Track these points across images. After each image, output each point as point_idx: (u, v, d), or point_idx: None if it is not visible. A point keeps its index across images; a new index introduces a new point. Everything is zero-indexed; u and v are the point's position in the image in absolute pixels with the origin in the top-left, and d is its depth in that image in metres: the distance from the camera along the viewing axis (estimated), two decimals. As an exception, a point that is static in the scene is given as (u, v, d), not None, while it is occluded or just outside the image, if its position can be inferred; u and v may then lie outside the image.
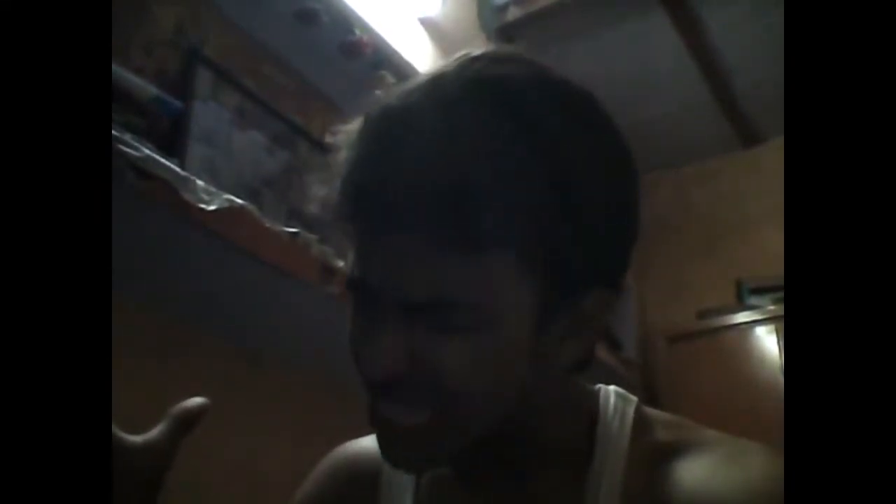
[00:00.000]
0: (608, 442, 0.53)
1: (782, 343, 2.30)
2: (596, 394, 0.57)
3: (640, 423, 0.54)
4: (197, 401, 0.56)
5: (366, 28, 1.69)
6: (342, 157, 0.47)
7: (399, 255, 0.44)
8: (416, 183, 0.42)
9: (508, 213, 0.42)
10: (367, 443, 0.66)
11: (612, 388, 0.58)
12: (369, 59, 1.70)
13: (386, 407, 0.48)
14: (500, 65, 0.47)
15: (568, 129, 0.45)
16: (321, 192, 0.49)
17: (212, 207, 0.96)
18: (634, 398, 0.57)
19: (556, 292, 0.46)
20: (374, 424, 0.50)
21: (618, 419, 0.54)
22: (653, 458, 0.51)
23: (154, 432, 0.53)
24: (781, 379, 2.22)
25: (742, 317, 2.44)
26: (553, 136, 0.44)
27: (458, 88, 0.45)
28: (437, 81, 0.46)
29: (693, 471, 0.49)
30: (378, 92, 0.48)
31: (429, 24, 2.01)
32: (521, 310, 0.46)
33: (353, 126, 0.48)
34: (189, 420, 0.55)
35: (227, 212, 0.98)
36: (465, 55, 0.48)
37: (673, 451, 0.51)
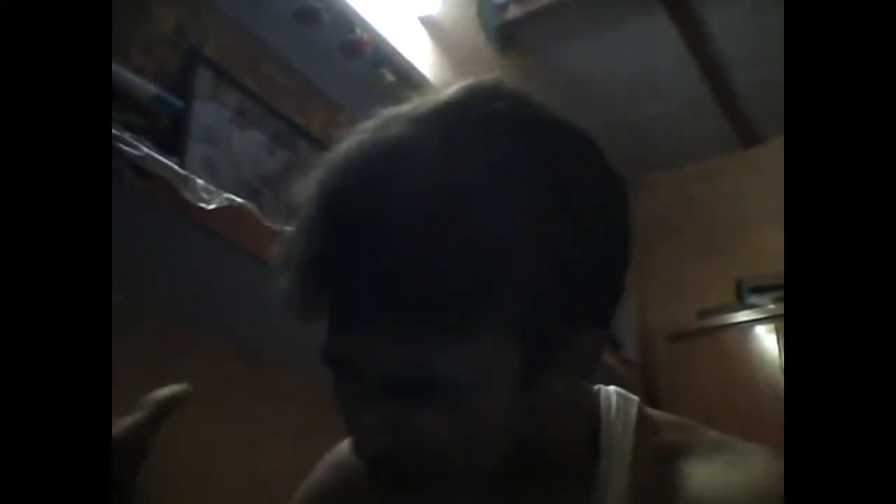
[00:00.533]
0: (612, 443, 0.53)
1: (782, 342, 2.30)
2: (596, 394, 0.57)
3: (643, 423, 0.54)
4: (175, 388, 0.53)
5: (366, 27, 1.69)
6: (304, 218, 0.45)
7: (379, 333, 0.42)
8: (393, 263, 0.39)
9: (496, 290, 0.41)
10: None
11: (612, 388, 0.58)
12: (369, 58, 1.70)
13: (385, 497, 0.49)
14: (471, 124, 0.43)
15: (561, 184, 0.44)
16: (280, 276, 0.45)
17: (212, 206, 0.96)
18: (636, 398, 0.57)
19: (540, 349, 0.45)
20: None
21: (621, 420, 0.54)
22: (657, 460, 0.51)
23: (128, 423, 0.49)
24: (781, 378, 2.22)
25: (742, 316, 2.44)
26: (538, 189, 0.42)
27: (435, 160, 0.41)
28: (406, 148, 0.42)
29: (698, 472, 0.49)
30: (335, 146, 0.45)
31: (429, 23, 2.00)
32: (504, 375, 0.45)
33: (311, 186, 0.45)
34: (166, 409, 0.52)
35: (227, 211, 0.98)
36: (441, 103, 0.45)
37: (677, 452, 0.51)
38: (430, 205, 0.39)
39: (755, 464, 0.48)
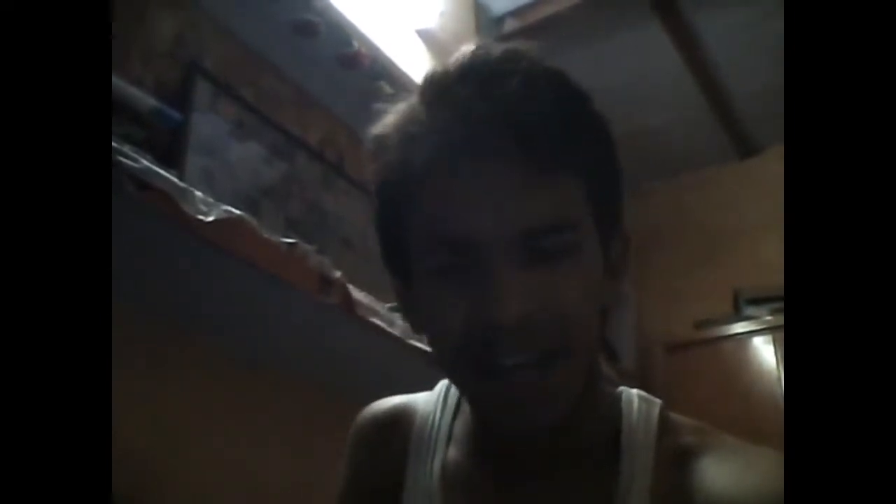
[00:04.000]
0: (635, 443, 0.54)
1: (779, 353, 2.30)
2: (619, 395, 0.59)
3: (664, 425, 0.55)
4: None
5: (364, 40, 1.70)
6: (410, 118, 0.51)
7: (502, 188, 0.47)
8: (509, 121, 0.47)
9: (577, 145, 0.49)
10: (398, 401, 0.67)
11: (634, 391, 0.59)
12: (367, 70, 1.70)
13: (520, 373, 0.48)
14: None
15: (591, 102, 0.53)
16: (379, 165, 0.52)
17: (210, 218, 0.95)
18: (658, 401, 0.58)
19: (605, 229, 0.52)
20: (503, 391, 0.49)
21: (643, 421, 0.55)
22: (678, 461, 0.52)
23: None
24: (778, 389, 2.22)
25: (739, 327, 2.44)
26: (589, 103, 0.52)
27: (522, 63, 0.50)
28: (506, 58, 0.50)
29: (717, 474, 0.50)
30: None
31: (426, 36, 2.01)
32: (593, 239, 0.51)
33: (410, 99, 0.52)
34: None
35: (226, 223, 0.98)
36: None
37: (697, 454, 0.52)
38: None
39: (769, 467, 0.49)
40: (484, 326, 0.47)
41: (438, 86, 0.50)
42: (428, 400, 0.66)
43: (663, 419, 0.56)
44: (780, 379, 2.24)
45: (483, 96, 0.47)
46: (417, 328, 0.58)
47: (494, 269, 0.47)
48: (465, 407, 0.62)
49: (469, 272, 0.48)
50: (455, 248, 0.49)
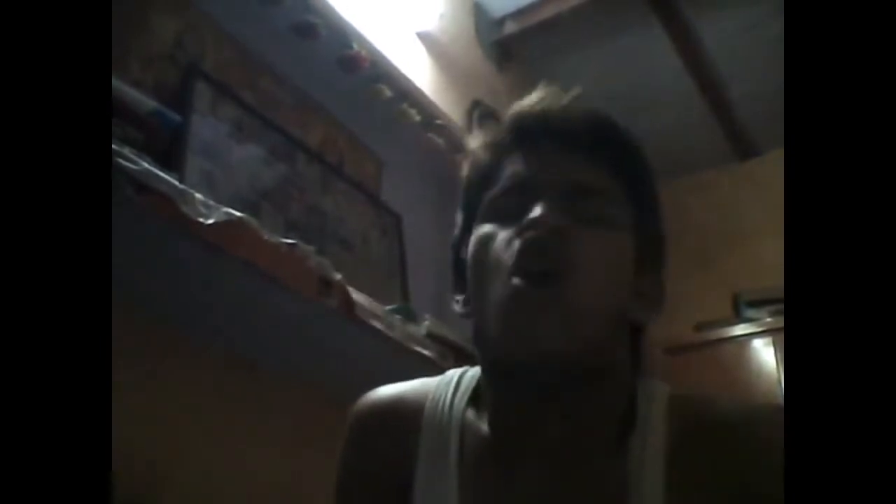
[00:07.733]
0: (648, 421, 0.58)
1: (779, 355, 2.30)
2: (634, 381, 0.63)
3: (674, 402, 0.60)
4: None
5: (363, 42, 1.70)
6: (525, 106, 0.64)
7: (568, 160, 0.61)
8: (581, 124, 0.62)
9: (627, 163, 0.63)
10: (401, 388, 0.68)
11: (647, 379, 0.63)
12: (367, 72, 1.71)
13: (539, 289, 0.55)
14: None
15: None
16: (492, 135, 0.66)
17: (210, 221, 0.96)
18: (668, 386, 0.63)
19: (642, 247, 0.61)
20: (523, 304, 0.55)
21: (655, 400, 0.60)
22: (687, 431, 0.57)
23: None
24: (778, 390, 2.22)
25: (739, 329, 2.44)
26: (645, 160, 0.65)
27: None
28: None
29: (726, 440, 0.55)
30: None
31: (426, 39, 2.01)
32: (628, 234, 0.60)
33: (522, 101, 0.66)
34: None
35: (226, 225, 0.98)
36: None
37: (705, 423, 0.57)
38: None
39: (771, 428, 0.52)
40: (526, 224, 0.56)
41: (524, 103, 0.65)
42: (437, 387, 0.66)
43: (672, 397, 0.61)
44: (780, 381, 2.24)
45: (561, 110, 0.63)
46: (462, 288, 0.64)
47: (543, 201, 0.58)
48: (480, 391, 0.64)
49: (522, 218, 0.57)
50: (519, 189, 0.60)
